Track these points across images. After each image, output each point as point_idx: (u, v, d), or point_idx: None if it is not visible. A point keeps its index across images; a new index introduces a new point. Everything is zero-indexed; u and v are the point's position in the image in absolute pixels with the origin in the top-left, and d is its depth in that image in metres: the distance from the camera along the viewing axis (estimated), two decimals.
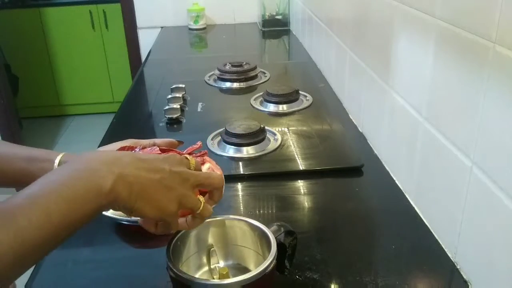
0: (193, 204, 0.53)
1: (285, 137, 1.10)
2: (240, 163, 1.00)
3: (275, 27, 2.29)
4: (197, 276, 0.62)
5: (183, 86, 1.40)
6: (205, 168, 0.67)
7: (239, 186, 0.92)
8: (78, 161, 0.50)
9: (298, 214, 0.85)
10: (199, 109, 1.30)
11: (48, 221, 0.43)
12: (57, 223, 0.44)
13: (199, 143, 0.67)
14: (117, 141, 0.71)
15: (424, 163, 0.79)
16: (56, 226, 0.44)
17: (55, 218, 0.43)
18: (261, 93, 1.35)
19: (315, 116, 1.23)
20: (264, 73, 1.58)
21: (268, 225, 0.61)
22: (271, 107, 1.29)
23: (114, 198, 0.47)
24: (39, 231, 0.42)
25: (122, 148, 0.67)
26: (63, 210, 0.44)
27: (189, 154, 0.64)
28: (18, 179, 0.70)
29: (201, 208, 0.54)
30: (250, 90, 1.46)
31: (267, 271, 0.54)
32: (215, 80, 1.54)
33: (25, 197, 0.44)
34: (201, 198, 0.54)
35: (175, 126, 1.21)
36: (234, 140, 1.05)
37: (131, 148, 0.67)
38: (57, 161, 0.69)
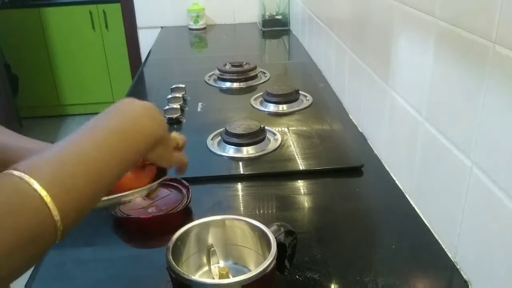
0: (173, 142, 0.61)
1: (285, 137, 1.10)
2: (240, 163, 1.00)
3: (275, 27, 2.29)
4: (197, 276, 0.62)
5: (183, 86, 1.40)
6: None
7: (239, 186, 0.92)
8: (121, 109, 0.55)
9: (298, 214, 0.85)
10: (199, 109, 1.30)
11: (111, 143, 0.47)
12: (118, 146, 0.47)
13: None
14: None
15: (424, 163, 0.79)
16: (118, 149, 0.47)
17: (116, 142, 0.47)
18: (261, 93, 1.35)
19: (315, 116, 1.23)
20: (264, 73, 1.58)
21: (268, 225, 0.61)
22: (271, 107, 1.29)
23: (159, 139, 0.54)
24: (105, 154, 0.45)
25: None
26: (120, 139, 0.48)
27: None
28: None
29: (179, 140, 0.62)
30: (250, 90, 1.46)
31: (267, 271, 0.54)
32: (215, 80, 1.54)
33: (84, 128, 0.48)
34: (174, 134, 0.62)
35: (175, 126, 1.21)
36: (234, 140, 1.05)
37: None
38: None
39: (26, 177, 0.37)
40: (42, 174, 0.39)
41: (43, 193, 0.37)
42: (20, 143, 0.70)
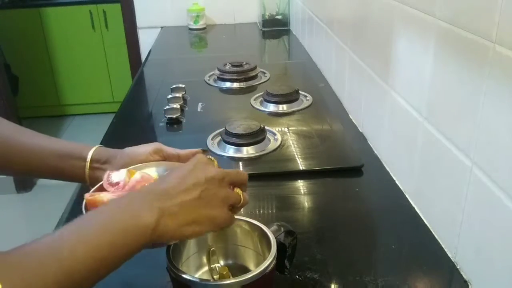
0: (235, 200, 0.55)
1: (285, 137, 1.10)
2: (240, 163, 1.00)
3: (275, 27, 2.29)
4: (197, 276, 0.62)
5: (183, 86, 1.40)
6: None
7: None
8: (121, 201, 0.50)
9: (298, 214, 0.85)
10: (199, 109, 1.30)
11: (92, 256, 0.43)
12: (100, 258, 0.44)
13: None
14: (118, 142, 0.72)
15: (424, 163, 0.79)
16: (100, 260, 0.44)
17: (99, 253, 0.44)
18: (261, 93, 1.35)
19: (315, 116, 1.23)
20: (264, 73, 1.58)
21: (268, 225, 0.61)
22: (271, 107, 1.29)
23: (161, 233, 0.47)
24: (82, 265, 0.42)
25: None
26: (108, 244, 0.44)
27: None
28: (50, 175, 0.71)
29: (242, 200, 0.56)
30: (250, 90, 1.46)
31: (267, 271, 0.54)
32: (215, 80, 1.54)
33: (69, 231, 0.44)
34: (238, 190, 0.56)
35: (175, 126, 1.21)
36: (234, 140, 1.05)
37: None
38: (89, 158, 0.70)
39: None
40: (11, 278, 0.37)
41: None
42: (24, 139, 0.70)
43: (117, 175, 0.69)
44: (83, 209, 0.63)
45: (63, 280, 0.40)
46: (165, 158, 0.74)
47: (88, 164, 0.70)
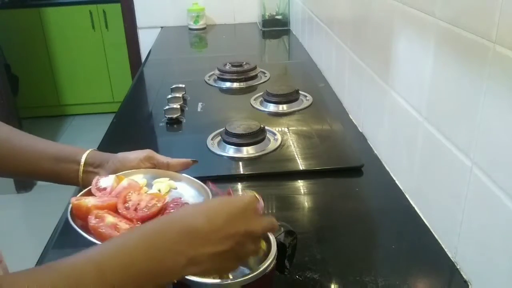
0: (255, 254, 0.54)
1: (285, 137, 1.10)
2: (240, 163, 1.00)
3: (275, 27, 2.29)
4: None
5: (183, 86, 1.40)
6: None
7: (239, 186, 0.92)
8: (154, 232, 0.48)
9: (298, 214, 0.85)
10: (199, 109, 1.30)
11: None
12: None
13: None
14: (118, 142, 0.72)
15: (424, 163, 0.79)
16: None
17: None
18: (261, 93, 1.35)
19: (315, 116, 1.23)
20: (264, 73, 1.58)
21: None
22: (271, 107, 1.29)
23: (182, 276, 0.48)
24: None
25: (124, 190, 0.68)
26: (128, 286, 0.44)
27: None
28: (44, 177, 0.72)
29: (261, 252, 0.55)
30: (250, 90, 1.46)
31: (267, 271, 0.54)
32: (215, 80, 1.54)
33: (94, 266, 0.43)
34: (263, 244, 0.55)
35: (175, 126, 1.21)
36: (234, 140, 1.05)
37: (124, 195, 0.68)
38: (82, 161, 0.71)
39: None
40: None
41: None
42: (19, 142, 0.70)
43: (106, 181, 0.70)
44: (68, 214, 0.64)
45: None
46: (156, 165, 0.75)
47: (82, 168, 0.71)
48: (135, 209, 0.65)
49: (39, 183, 2.89)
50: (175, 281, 0.53)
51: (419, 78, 0.78)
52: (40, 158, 0.70)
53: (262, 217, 0.54)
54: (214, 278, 0.61)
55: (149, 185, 0.72)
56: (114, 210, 0.65)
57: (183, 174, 0.75)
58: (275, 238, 0.59)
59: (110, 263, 0.43)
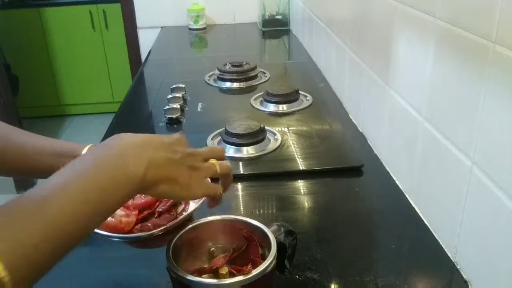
0: (211, 172, 0.57)
1: (285, 137, 1.10)
2: (240, 163, 1.00)
3: (275, 27, 2.29)
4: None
5: (183, 86, 1.40)
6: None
7: (239, 186, 0.92)
8: (108, 146, 0.50)
9: (298, 214, 0.85)
10: (199, 109, 1.31)
11: (80, 209, 0.43)
12: (89, 211, 0.43)
13: None
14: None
15: (424, 163, 0.79)
16: (88, 214, 0.43)
17: (87, 206, 0.43)
18: (261, 93, 1.35)
19: (315, 116, 1.23)
20: (264, 73, 1.58)
21: (268, 225, 0.61)
22: (271, 107, 1.29)
23: (148, 183, 0.48)
24: (71, 218, 0.42)
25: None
26: (96, 197, 0.44)
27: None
28: (44, 174, 0.71)
29: (217, 168, 0.58)
30: (250, 90, 1.46)
31: (267, 271, 0.54)
32: (215, 80, 1.54)
33: (55, 185, 0.44)
34: (213, 161, 0.58)
35: (175, 126, 1.21)
36: (234, 140, 1.05)
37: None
38: None
39: None
40: None
41: None
42: (18, 139, 0.70)
43: None
44: None
45: (52, 236, 0.40)
46: None
47: None
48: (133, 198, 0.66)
49: (39, 182, 2.89)
50: (172, 277, 0.53)
51: (419, 78, 0.78)
52: (40, 154, 0.70)
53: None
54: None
55: None
56: None
57: None
58: (275, 238, 0.59)
59: (73, 185, 0.44)
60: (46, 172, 0.72)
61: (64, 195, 0.43)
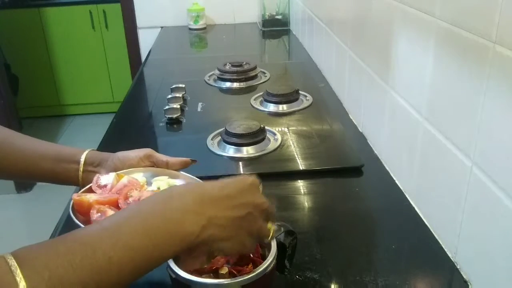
0: (266, 234, 0.54)
1: (285, 137, 1.10)
2: (240, 163, 1.00)
3: (275, 27, 2.29)
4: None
5: (183, 86, 1.40)
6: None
7: None
8: (169, 196, 0.48)
9: (298, 214, 0.85)
10: (199, 109, 1.30)
11: (130, 260, 0.41)
12: (138, 261, 0.42)
13: None
14: (118, 142, 0.72)
15: (424, 163, 0.79)
16: (136, 265, 0.42)
17: (137, 256, 0.42)
18: (261, 93, 1.35)
19: (315, 116, 1.23)
20: (264, 73, 1.58)
21: None
22: (271, 107, 1.29)
23: (200, 242, 0.46)
24: (118, 268, 0.41)
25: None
26: (147, 249, 0.43)
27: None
28: (45, 178, 0.72)
29: (270, 236, 0.54)
30: (250, 90, 1.46)
31: (267, 271, 0.54)
32: (215, 80, 1.54)
33: (109, 231, 0.42)
34: (270, 225, 0.54)
35: (175, 126, 1.21)
36: (234, 140, 1.05)
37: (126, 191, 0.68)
38: (82, 161, 0.72)
39: (14, 267, 0.36)
40: (33, 266, 0.37)
41: (22, 284, 0.35)
42: (18, 143, 0.71)
43: (106, 178, 0.71)
44: (70, 210, 0.64)
45: (94, 282, 0.39)
46: (155, 164, 0.76)
47: (81, 167, 0.72)
48: None
49: (39, 183, 2.89)
50: (172, 277, 0.53)
51: (419, 78, 0.78)
52: (40, 159, 0.70)
53: (264, 197, 0.54)
54: (220, 273, 0.61)
55: (149, 184, 0.73)
56: (115, 205, 0.66)
57: (181, 172, 0.76)
58: (275, 238, 0.59)
59: (126, 228, 0.43)
60: (46, 176, 0.72)
61: (114, 243, 0.41)
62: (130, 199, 0.67)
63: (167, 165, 0.75)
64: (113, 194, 0.67)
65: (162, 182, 0.73)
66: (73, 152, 0.73)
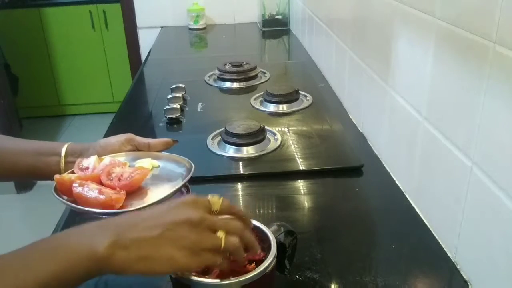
0: (212, 244, 0.49)
1: (285, 137, 1.10)
2: (240, 163, 1.00)
3: (275, 27, 2.29)
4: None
5: (183, 86, 1.40)
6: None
7: (239, 186, 0.92)
8: (74, 228, 0.48)
9: (298, 214, 0.85)
10: (199, 109, 1.30)
11: (37, 283, 0.42)
12: (45, 285, 0.42)
13: None
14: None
15: (424, 163, 0.79)
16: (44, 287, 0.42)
17: (44, 280, 0.42)
18: (261, 93, 1.35)
19: (315, 116, 1.23)
20: (264, 73, 1.58)
21: (268, 225, 0.61)
22: (271, 107, 1.29)
23: (113, 265, 0.46)
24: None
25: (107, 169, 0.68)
26: (53, 272, 0.43)
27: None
28: (27, 174, 0.73)
29: (222, 244, 0.50)
30: (250, 90, 1.46)
31: (267, 271, 0.54)
32: (215, 80, 1.54)
33: (15, 257, 0.43)
34: (221, 233, 0.51)
35: (175, 126, 1.21)
36: (234, 140, 1.05)
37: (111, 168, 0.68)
38: (63, 153, 0.72)
39: None
40: None
41: None
42: (22, 146, 0.71)
43: (87, 161, 0.71)
44: (53, 190, 0.65)
45: None
46: (137, 147, 0.76)
47: (63, 159, 0.72)
48: (119, 179, 0.66)
49: (39, 183, 2.89)
50: (172, 277, 0.53)
51: (419, 78, 0.78)
52: (21, 154, 0.71)
53: (212, 215, 0.52)
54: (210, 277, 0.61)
55: (131, 166, 0.73)
56: (97, 181, 0.66)
57: (164, 153, 0.76)
58: (275, 238, 0.59)
59: (35, 254, 0.44)
60: (28, 171, 0.73)
61: (22, 266, 0.42)
62: (113, 175, 0.67)
63: (149, 147, 0.76)
64: (95, 173, 0.68)
65: (144, 163, 0.74)
66: (54, 146, 0.74)
